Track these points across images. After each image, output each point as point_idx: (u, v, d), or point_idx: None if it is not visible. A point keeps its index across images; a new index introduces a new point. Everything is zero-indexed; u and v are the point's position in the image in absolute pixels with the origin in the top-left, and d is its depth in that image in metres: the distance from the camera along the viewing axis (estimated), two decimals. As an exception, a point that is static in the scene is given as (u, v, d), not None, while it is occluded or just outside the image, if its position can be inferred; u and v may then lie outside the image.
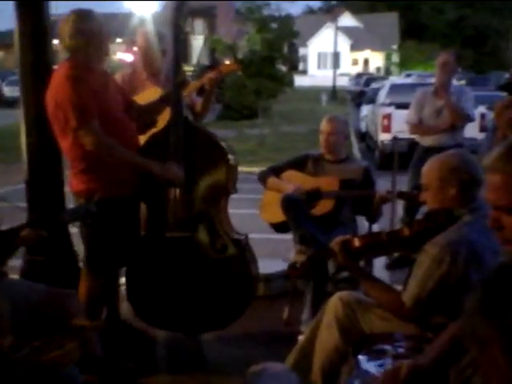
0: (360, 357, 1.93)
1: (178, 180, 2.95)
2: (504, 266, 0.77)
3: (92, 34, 2.78)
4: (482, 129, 7.00)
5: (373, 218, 3.58)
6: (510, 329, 0.71)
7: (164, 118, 3.10)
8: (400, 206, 4.53)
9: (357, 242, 2.27)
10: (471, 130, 5.11)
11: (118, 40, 27.32)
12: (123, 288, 3.27)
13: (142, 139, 3.10)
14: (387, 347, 1.97)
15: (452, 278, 2.01)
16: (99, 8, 2.94)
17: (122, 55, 21.75)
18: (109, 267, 3.01)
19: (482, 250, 1.98)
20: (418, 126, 4.85)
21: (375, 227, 3.91)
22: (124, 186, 2.90)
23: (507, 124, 2.96)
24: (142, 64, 3.65)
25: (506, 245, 1.32)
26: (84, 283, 3.00)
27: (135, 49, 3.71)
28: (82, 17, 2.79)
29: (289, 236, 3.65)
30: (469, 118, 4.85)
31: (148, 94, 3.33)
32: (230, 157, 3.07)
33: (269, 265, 4.20)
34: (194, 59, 21.68)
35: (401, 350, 1.97)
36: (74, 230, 3.27)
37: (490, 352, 0.74)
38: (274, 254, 4.51)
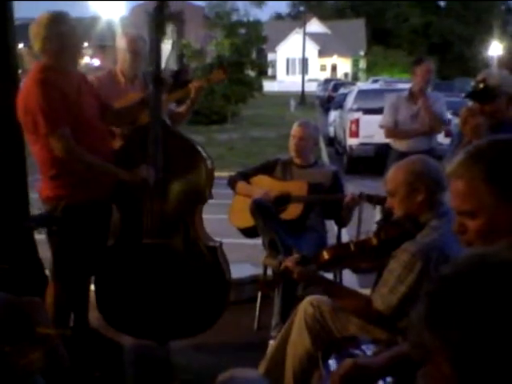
0: (329, 361, 1.94)
1: (148, 183, 2.91)
2: (446, 278, 0.78)
3: (66, 36, 2.73)
4: (447, 134, 7.13)
5: (342, 222, 3.61)
6: (454, 340, 0.72)
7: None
8: (378, 208, 4.57)
9: (326, 255, 2.28)
10: (438, 136, 5.17)
11: (85, 44, 27.02)
12: (92, 295, 3.22)
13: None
14: (356, 351, 1.98)
15: (423, 283, 2.02)
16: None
17: (90, 60, 21.52)
18: (76, 276, 2.95)
19: (452, 255, 2.00)
20: (394, 130, 4.87)
21: (344, 231, 3.94)
22: (93, 192, 2.85)
23: (472, 131, 3.01)
24: (120, 69, 3.61)
25: (468, 248, 1.34)
26: (51, 291, 2.94)
27: (118, 52, 3.64)
28: (56, 19, 2.73)
29: (258, 241, 3.65)
30: (444, 124, 4.91)
31: (130, 100, 3.28)
32: (208, 162, 3.06)
33: (238, 270, 4.18)
34: (162, 64, 21.63)
35: (370, 354, 1.99)
36: (40, 236, 3.20)
37: (436, 363, 0.75)
38: (244, 259, 4.50)
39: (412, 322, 0.80)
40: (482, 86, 3.03)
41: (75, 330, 3.08)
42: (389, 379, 1.74)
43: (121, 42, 3.58)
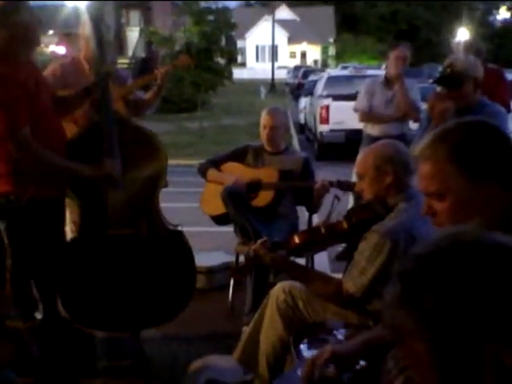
0: (301, 346, 1.95)
1: (114, 177, 2.87)
2: (419, 257, 0.79)
3: (18, 27, 2.65)
4: (416, 120, 7.20)
5: (313, 209, 3.62)
6: (428, 320, 0.73)
7: None
8: (350, 195, 4.61)
9: (296, 240, 2.29)
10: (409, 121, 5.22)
11: (50, 32, 26.46)
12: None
13: None
14: (328, 336, 2.00)
15: (393, 263, 2.05)
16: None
17: (55, 48, 21.08)
18: (36, 270, 2.90)
19: (420, 236, 2.03)
20: (368, 114, 4.89)
21: (315, 217, 3.97)
22: (51, 189, 2.79)
23: (440, 115, 3.05)
24: (85, 56, 3.54)
25: (440, 229, 1.36)
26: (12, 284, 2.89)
27: (82, 40, 3.57)
28: (6, 9, 2.66)
29: (230, 228, 3.64)
30: (419, 110, 4.96)
31: None
32: (162, 146, 3.03)
33: (211, 257, 4.18)
34: (130, 51, 21.24)
35: (341, 338, 2.01)
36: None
37: (411, 343, 0.76)
38: (216, 247, 4.49)
39: (385, 302, 0.80)
40: (448, 71, 3.07)
41: (45, 321, 3.03)
42: (362, 363, 1.77)
43: (84, 29, 3.51)
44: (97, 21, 2.92)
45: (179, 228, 3.10)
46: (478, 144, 1.31)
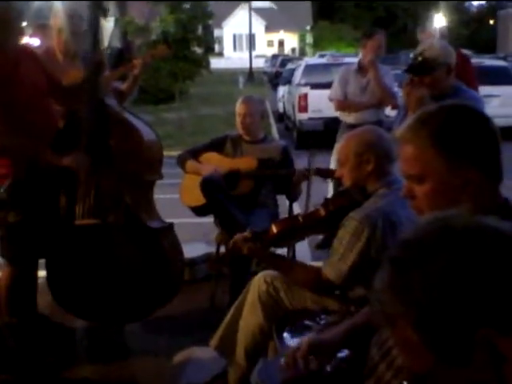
0: (284, 334, 1.95)
1: (82, 170, 2.85)
2: (409, 243, 0.79)
3: None
4: (394, 106, 7.24)
5: (293, 197, 3.63)
6: (418, 305, 0.73)
7: None
8: (331, 184, 4.61)
9: (275, 229, 2.29)
10: (385, 108, 5.23)
11: (24, 24, 25.98)
12: (41, 280, 3.14)
13: None
14: (310, 323, 2.00)
15: (372, 249, 2.06)
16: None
17: (29, 39, 20.71)
18: (25, 256, 2.88)
19: (399, 221, 2.04)
20: (343, 103, 4.89)
21: (296, 205, 3.97)
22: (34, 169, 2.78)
23: (416, 103, 3.05)
24: (58, 47, 3.49)
25: (419, 214, 1.37)
26: (5, 275, 2.89)
27: (54, 30, 3.52)
28: None
29: (210, 219, 3.63)
30: (394, 96, 4.97)
31: (72, 78, 3.20)
32: (148, 142, 3.00)
33: (192, 249, 4.17)
34: (106, 42, 21.01)
35: (324, 323, 2.01)
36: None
37: (400, 327, 0.76)
38: (197, 238, 4.48)
39: (375, 287, 0.80)
40: (419, 59, 3.06)
41: (23, 316, 3.01)
42: (344, 352, 1.77)
43: (56, 20, 3.46)
44: (94, 13, 2.88)
45: (167, 224, 3.09)
46: (459, 128, 1.32)
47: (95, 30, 2.88)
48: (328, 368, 1.71)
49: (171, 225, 3.17)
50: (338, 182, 3.89)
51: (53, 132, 2.87)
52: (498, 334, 0.70)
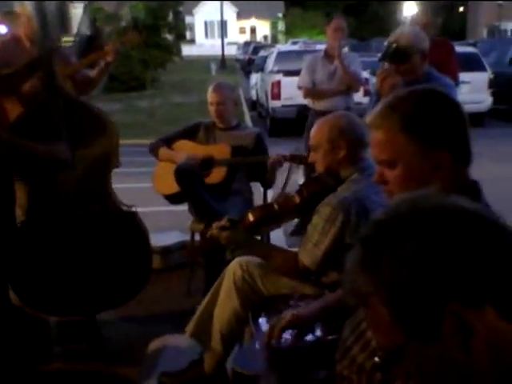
0: (260, 320, 1.97)
1: (66, 161, 2.80)
2: (379, 222, 0.80)
3: None
4: (366, 93, 7.29)
5: (267, 184, 3.64)
6: (389, 283, 0.75)
7: None
8: (301, 172, 4.63)
9: (251, 217, 2.29)
10: (356, 95, 5.28)
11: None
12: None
13: None
14: (286, 308, 2.02)
15: (346, 234, 2.08)
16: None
17: (-5, 26, 20.22)
18: None
19: (372, 206, 2.06)
20: (312, 90, 4.92)
21: (270, 193, 3.98)
22: None
23: (390, 90, 3.08)
24: (25, 34, 3.42)
25: (391, 198, 1.39)
26: None
27: (22, 17, 3.44)
28: None
29: (184, 207, 3.62)
30: (361, 83, 5.00)
31: None
32: (112, 127, 2.97)
33: (166, 237, 4.16)
34: (74, 29, 20.64)
35: (298, 299, 2.04)
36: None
37: (372, 306, 0.78)
38: (171, 226, 4.46)
39: (346, 268, 0.82)
40: (394, 46, 3.08)
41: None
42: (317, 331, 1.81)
43: (24, 6, 3.39)
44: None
45: (133, 209, 3.06)
46: (429, 112, 1.34)
47: (43, 15, 2.82)
48: (306, 343, 1.75)
49: (135, 208, 3.14)
50: (309, 168, 3.92)
51: (5, 125, 2.79)
52: (466, 307, 0.73)
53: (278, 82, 10.22)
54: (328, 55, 4.85)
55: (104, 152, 2.93)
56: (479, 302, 0.73)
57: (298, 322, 1.77)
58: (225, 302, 2.32)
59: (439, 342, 0.74)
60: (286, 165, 3.39)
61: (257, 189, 3.82)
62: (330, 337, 1.73)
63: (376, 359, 0.82)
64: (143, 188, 4.14)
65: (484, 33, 38.44)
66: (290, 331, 1.77)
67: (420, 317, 0.75)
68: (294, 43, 19.52)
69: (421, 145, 1.31)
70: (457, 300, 0.73)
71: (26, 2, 3.37)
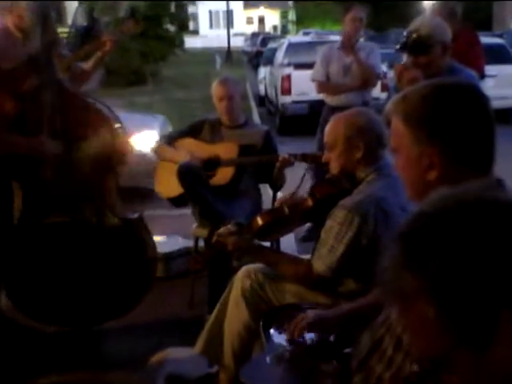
0: (271, 331, 1.97)
1: (49, 156, 2.83)
2: (420, 216, 0.80)
3: None
4: (384, 88, 7.28)
5: (276, 186, 3.63)
6: (437, 278, 0.74)
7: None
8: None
9: (260, 221, 2.29)
10: (374, 90, 5.26)
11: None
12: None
13: None
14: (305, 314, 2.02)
15: (363, 238, 2.08)
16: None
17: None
18: None
19: (390, 208, 2.06)
20: (326, 84, 4.91)
21: (280, 195, 3.98)
22: None
23: (408, 85, 3.07)
24: (18, 24, 3.45)
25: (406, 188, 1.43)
26: None
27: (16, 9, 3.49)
28: None
29: (187, 210, 3.63)
30: (379, 77, 4.98)
31: None
32: (116, 125, 2.99)
33: (167, 243, 4.17)
34: (69, 20, 20.74)
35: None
36: None
37: (417, 307, 0.77)
38: (173, 231, 4.48)
39: (386, 266, 0.81)
40: (414, 36, 3.06)
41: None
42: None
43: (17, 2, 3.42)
44: None
45: (137, 216, 3.08)
46: (436, 108, 1.34)
47: (44, 8, 2.86)
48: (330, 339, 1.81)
49: (141, 215, 3.17)
50: (322, 169, 3.91)
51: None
52: None
53: (289, 76, 10.21)
54: (345, 46, 4.84)
55: (102, 151, 2.95)
56: None
57: (322, 321, 1.83)
58: (234, 313, 2.32)
59: (493, 349, 0.72)
60: (301, 165, 3.39)
61: (266, 191, 3.83)
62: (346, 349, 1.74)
63: (414, 367, 0.81)
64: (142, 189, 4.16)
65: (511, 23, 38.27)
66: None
67: (473, 318, 0.73)
68: (306, 34, 19.56)
69: (417, 140, 1.34)
70: None
71: None
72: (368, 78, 4.79)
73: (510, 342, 0.72)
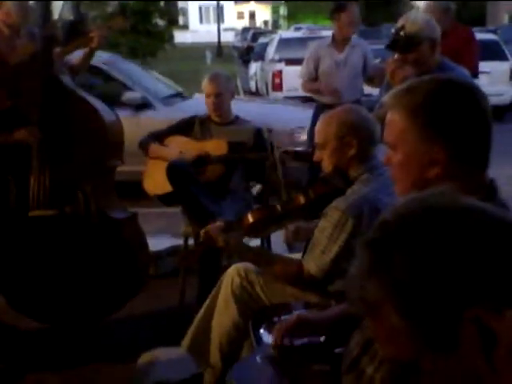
0: (261, 330, 1.97)
1: (31, 145, 2.83)
2: (387, 224, 0.81)
3: None
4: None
5: (268, 184, 3.63)
6: (402, 288, 0.75)
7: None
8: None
9: (250, 219, 2.29)
10: (366, 87, 5.27)
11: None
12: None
13: None
14: (288, 318, 2.03)
15: (356, 240, 2.08)
16: None
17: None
18: None
19: (383, 208, 2.06)
20: (311, 84, 4.91)
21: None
22: None
23: (401, 83, 3.07)
24: (5, 20, 3.44)
25: (394, 184, 1.44)
26: None
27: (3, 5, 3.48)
28: None
29: (176, 208, 3.63)
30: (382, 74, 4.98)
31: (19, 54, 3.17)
32: (110, 124, 2.99)
33: (156, 241, 4.16)
34: (56, 14, 20.69)
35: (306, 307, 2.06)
36: None
37: (381, 315, 0.78)
38: (162, 230, 4.47)
39: (352, 274, 0.81)
40: (401, 34, 3.05)
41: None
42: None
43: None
44: None
45: (130, 215, 3.09)
46: (441, 104, 1.34)
47: (47, 4, 2.88)
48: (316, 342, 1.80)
49: (135, 215, 3.16)
50: (313, 167, 3.92)
51: None
52: (489, 312, 0.72)
53: (280, 72, 10.23)
54: (336, 42, 4.83)
55: (96, 149, 2.96)
56: (500, 307, 0.72)
57: (304, 325, 1.80)
58: (223, 312, 2.32)
59: (457, 352, 0.74)
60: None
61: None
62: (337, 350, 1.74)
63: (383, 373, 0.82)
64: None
65: (505, 19, 38.43)
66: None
67: (435, 323, 0.74)
68: (297, 29, 19.56)
69: (421, 136, 1.34)
70: (476, 304, 0.72)
71: None
72: (380, 79, 4.74)
73: (475, 342, 0.73)
